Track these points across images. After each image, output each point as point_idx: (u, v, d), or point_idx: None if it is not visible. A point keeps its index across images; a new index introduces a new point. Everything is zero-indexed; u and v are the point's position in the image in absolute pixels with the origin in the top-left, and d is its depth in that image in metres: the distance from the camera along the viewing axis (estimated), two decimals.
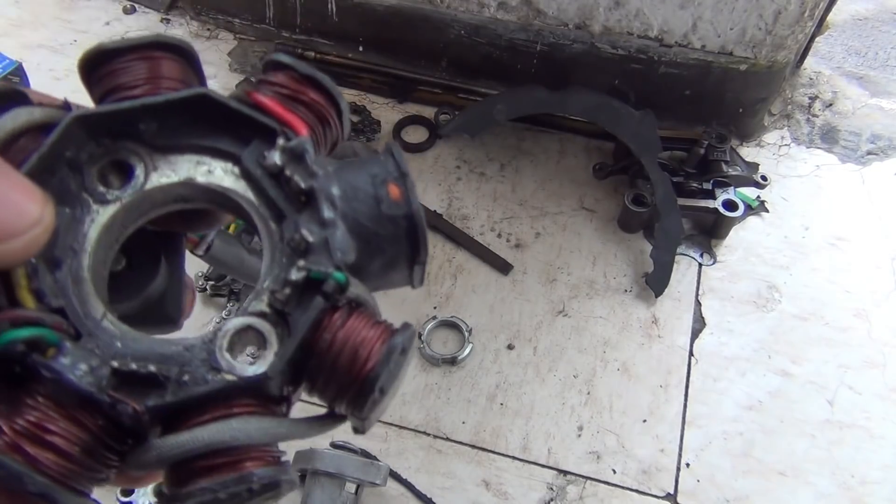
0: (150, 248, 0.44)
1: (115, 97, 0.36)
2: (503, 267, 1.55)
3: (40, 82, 1.76)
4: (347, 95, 1.81)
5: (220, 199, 0.38)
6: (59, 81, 1.79)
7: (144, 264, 0.44)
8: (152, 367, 0.33)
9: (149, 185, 0.37)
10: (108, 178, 0.37)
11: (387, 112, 1.80)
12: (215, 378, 0.34)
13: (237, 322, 0.35)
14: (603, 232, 1.62)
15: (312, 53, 1.84)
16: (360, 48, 1.86)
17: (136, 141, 0.37)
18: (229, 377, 0.34)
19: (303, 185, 0.36)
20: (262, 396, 0.35)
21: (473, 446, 1.34)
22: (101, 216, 0.36)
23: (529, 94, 1.58)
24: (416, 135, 1.76)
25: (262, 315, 0.35)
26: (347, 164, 0.38)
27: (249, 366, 0.34)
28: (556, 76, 1.69)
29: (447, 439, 1.34)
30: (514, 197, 1.67)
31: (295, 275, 0.34)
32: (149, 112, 0.36)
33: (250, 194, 0.37)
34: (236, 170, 0.37)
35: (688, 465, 1.32)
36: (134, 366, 0.33)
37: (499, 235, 1.61)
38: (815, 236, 1.61)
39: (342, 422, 0.37)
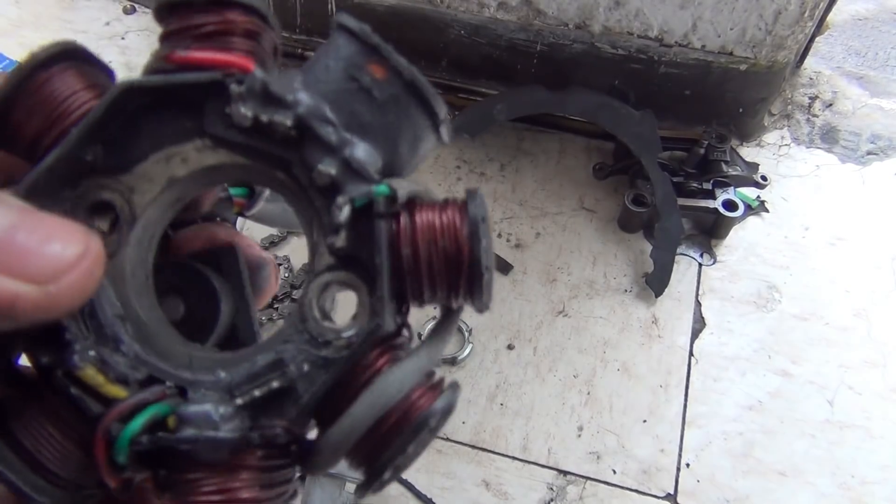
0: (202, 285, 0.40)
1: (44, 141, 0.33)
2: (503, 267, 1.56)
3: None
4: None
5: (213, 179, 0.35)
6: None
7: (202, 304, 0.40)
8: (274, 383, 0.32)
9: (139, 210, 0.34)
10: (95, 227, 0.33)
11: None
12: (333, 353, 0.32)
13: (315, 286, 0.33)
14: (603, 232, 1.63)
15: (312, 54, 1.85)
16: None
17: (94, 175, 0.33)
18: (344, 341, 0.32)
19: (286, 121, 0.32)
20: (384, 341, 0.33)
21: (473, 446, 1.35)
22: (114, 268, 0.33)
23: (529, 95, 1.59)
24: None
25: (332, 268, 0.33)
26: (310, 67, 0.35)
27: (353, 320, 0.32)
28: (556, 76, 1.69)
29: (447, 439, 1.35)
30: (514, 197, 1.68)
31: (339, 215, 0.32)
32: (83, 143, 0.32)
33: (239, 158, 0.34)
34: (208, 142, 0.34)
35: (688, 465, 1.33)
36: (257, 392, 0.31)
37: (499, 235, 1.62)
38: (815, 236, 1.62)
39: (461, 312, 0.35)
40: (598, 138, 1.75)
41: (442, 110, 0.35)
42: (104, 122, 0.32)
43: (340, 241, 0.32)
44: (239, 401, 0.31)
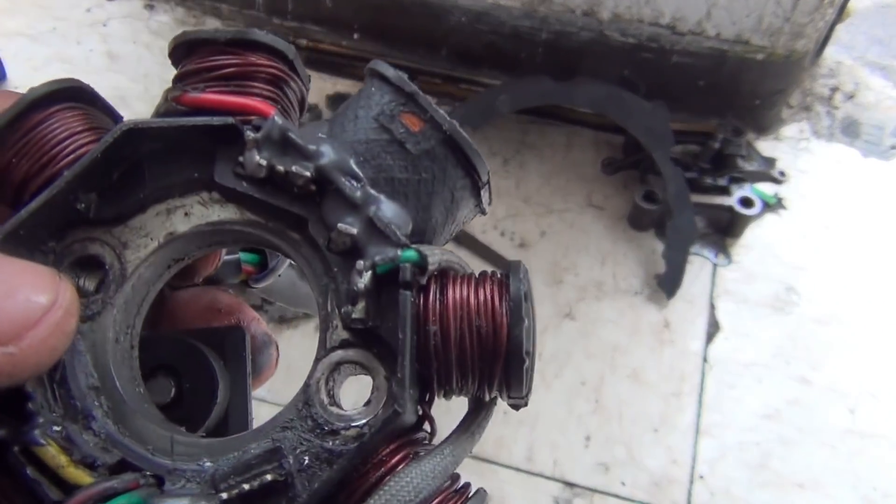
0: (199, 369, 0.36)
1: (34, 184, 0.30)
2: (506, 267, 1.55)
3: (18, 72, 1.75)
4: (342, 85, 1.80)
5: (218, 238, 0.33)
6: (37, 72, 1.78)
7: (197, 390, 0.36)
8: (267, 476, 0.28)
9: (130, 267, 0.31)
10: (82, 285, 0.31)
11: None
12: (340, 444, 0.28)
13: (324, 364, 0.29)
14: (612, 230, 1.61)
15: (304, 41, 1.83)
16: (356, 35, 1.85)
17: (85, 226, 0.31)
18: (354, 431, 0.28)
19: (305, 172, 0.29)
20: (401, 435, 0.29)
21: (474, 457, 1.34)
22: (94, 333, 0.30)
23: (534, 85, 1.58)
24: None
25: (346, 345, 0.29)
26: (337, 116, 0.32)
27: (366, 407, 0.29)
28: (563, 66, 1.68)
29: None
30: (517, 193, 1.67)
31: (359, 281, 0.28)
32: (75, 189, 0.29)
33: (249, 214, 0.31)
34: (216, 195, 0.31)
35: (701, 477, 1.32)
36: (246, 486, 0.28)
37: (502, 234, 1.60)
38: (836, 235, 1.61)
39: (494, 406, 0.32)
40: (606, 131, 1.74)
41: (485, 171, 0.32)
42: (101, 167, 0.30)
43: (358, 311, 0.29)
44: (224, 495, 0.28)
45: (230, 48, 0.32)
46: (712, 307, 1.51)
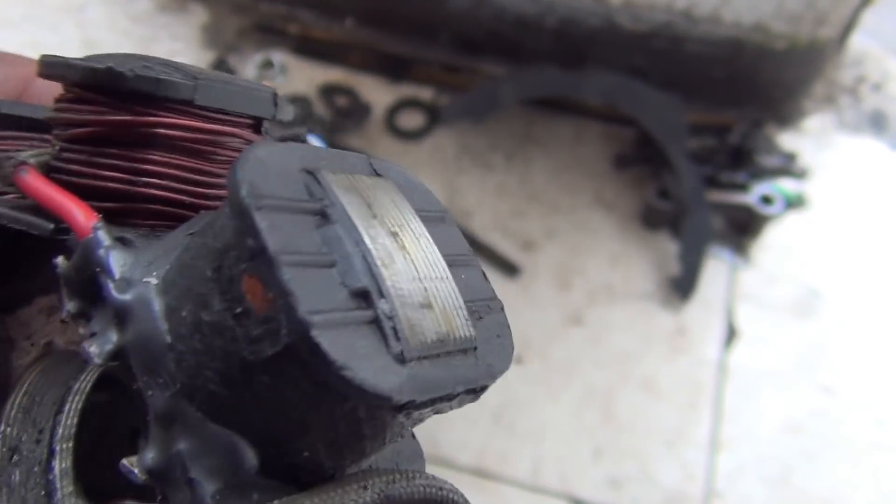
0: None
1: None
2: (510, 270, 1.55)
3: None
4: (334, 74, 1.81)
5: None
6: None
7: None
8: None
9: (15, 373, 0.28)
10: None
11: (378, 94, 1.80)
12: None
13: None
14: (623, 230, 1.62)
15: (295, 27, 1.84)
16: (349, 21, 1.85)
17: None
18: None
19: (105, 346, 0.23)
20: None
21: (476, 472, 1.34)
22: None
23: (540, 75, 1.59)
24: (411, 120, 1.76)
25: None
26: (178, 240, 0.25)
27: None
28: (570, 54, 1.69)
29: (446, 464, 1.34)
30: (522, 191, 1.67)
31: None
32: None
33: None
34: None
35: (718, 493, 1.33)
36: None
37: (505, 234, 1.61)
38: (862, 235, 1.61)
39: None
40: (617, 124, 1.74)
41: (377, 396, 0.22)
42: None
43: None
44: None
45: (87, 92, 0.26)
46: (730, 312, 1.52)
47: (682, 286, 1.51)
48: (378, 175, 0.27)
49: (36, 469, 0.28)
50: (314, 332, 0.20)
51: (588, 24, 1.67)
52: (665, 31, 1.63)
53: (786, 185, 1.64)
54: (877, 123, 1.79)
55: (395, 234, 0.24)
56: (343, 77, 1.83)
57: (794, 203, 1.64)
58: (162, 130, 0.26)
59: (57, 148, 0.28)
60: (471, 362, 0.25)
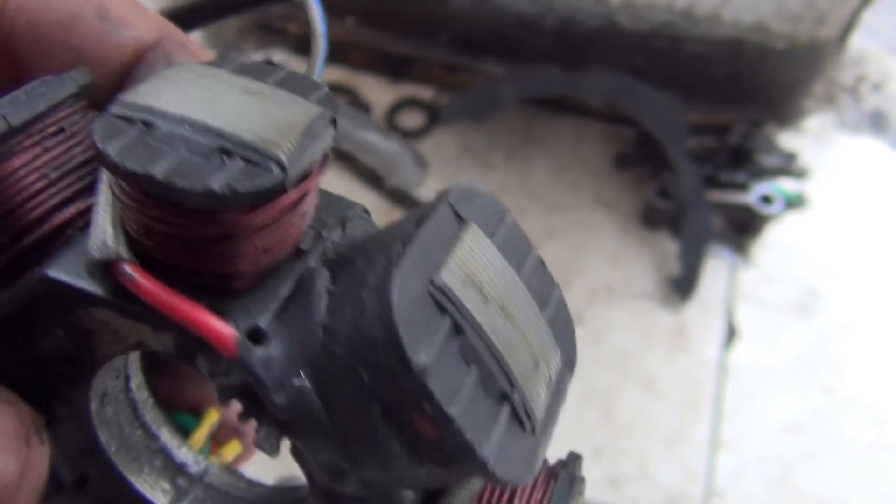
0: None
1: None
2: None
3: None
4: (334, 74, 1.81)
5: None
6: None
7: None
8: None
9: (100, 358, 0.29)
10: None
11: (378, 93, 1.80)
12: None
13: None
14: (623, 230, 1.62)
15: (295, 26, 1.84)
16: (350, 20, 1.86)
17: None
18: None
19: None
20: None
21: None
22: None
23: (540, 75, 1.59)
24: (411, 119, 1.77)
25: None
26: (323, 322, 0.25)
27: None
28: (571, 54, 1.69)
29: None
30: (522, 190, 1.67)
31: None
32: None
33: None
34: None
35: (718, 493, 1.33)
36: None
37: None
38: (862, 234, 1.62)
39: None
40: (617, 124, 1.74)
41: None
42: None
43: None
44: None
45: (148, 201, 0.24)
46: (730, 312, 1.52)
47: (682, 286, 1.51)
48: (462, 221, 0.26)
49: (120, 397, 0.32)
50: (491, 468, 0.23)
51: (588, 24, 1.67)
52: (665, 31, 1.64)
53: (786, 184, 1.64)
54: (877, 123, 1.79)
55: (503, 308, 0.26)
56: (343, 76, 1.83)
57: (794, 203, 1.64)
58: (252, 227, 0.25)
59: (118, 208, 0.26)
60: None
